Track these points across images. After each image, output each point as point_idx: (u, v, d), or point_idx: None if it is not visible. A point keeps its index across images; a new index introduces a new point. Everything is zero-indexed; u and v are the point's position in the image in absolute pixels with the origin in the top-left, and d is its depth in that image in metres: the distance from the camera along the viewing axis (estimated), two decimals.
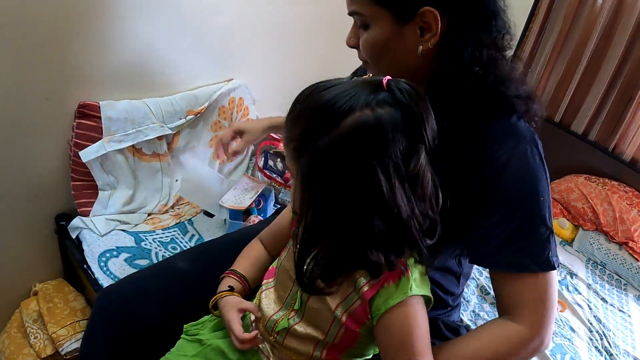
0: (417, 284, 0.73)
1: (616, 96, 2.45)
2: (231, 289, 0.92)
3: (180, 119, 1.80)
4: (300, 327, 0.80)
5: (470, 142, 0.82)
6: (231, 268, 0.97)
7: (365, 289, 0.73)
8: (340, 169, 0.66)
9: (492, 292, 1.95)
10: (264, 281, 0.91)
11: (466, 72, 0.83)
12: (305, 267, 0.75)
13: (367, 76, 0.70)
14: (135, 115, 1.65)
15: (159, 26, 1.64)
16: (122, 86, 1.65)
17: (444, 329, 1.09)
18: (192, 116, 1.83)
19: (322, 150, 0.66)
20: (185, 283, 1.03)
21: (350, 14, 0.88)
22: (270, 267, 0.94)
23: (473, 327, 1.77)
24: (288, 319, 0.82)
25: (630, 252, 2.39)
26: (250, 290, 0.97)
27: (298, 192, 0.71)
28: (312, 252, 0.74)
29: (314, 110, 0.67)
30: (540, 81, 2.73)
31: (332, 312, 0.77)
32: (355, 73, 1.21)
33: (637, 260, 2.36)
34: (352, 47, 0.91)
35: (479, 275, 2.06)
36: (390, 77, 0.69)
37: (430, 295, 0.76)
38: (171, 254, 1.56)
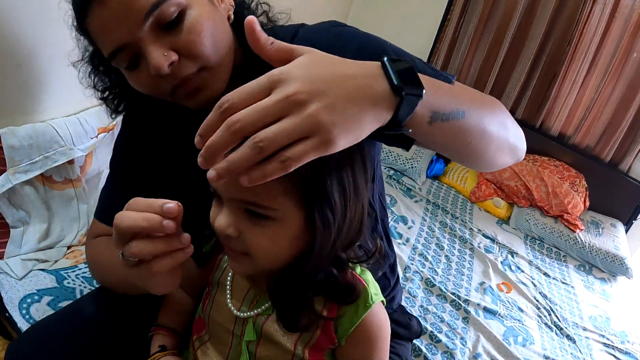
0: (374, 291, 0.70)
1: (540, 74, 2.51)
2: (163, 348, 0.81)
3: (92, 138, 1.63)
4: None
5: None
6: (158, 322, 0.86)
7: (325, 313, 0.68)
8: (351, 181, 0.61)
9: (437, 284, 1.95)
10: (195, 336, 0.81)
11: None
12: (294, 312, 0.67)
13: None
14: (40, 140, 1.47)
15: (56, 35, 1.47)
16: (22, 109, 1.47)
17: (394, 326, 1.05)
18: (104, 134, 1.67)
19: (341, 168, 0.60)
20: (92, 328, 0.92)
21: (152, 10, 0.67)
22: (197, 317, 0.83)
23: (423, 322, 1.74)
24: None
25: (566, 224, 2.47)
26: (181, 341, 0.88)
27: (294, 229, 0.60)
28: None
29: None
30: (464, 63, 2.75)
31: (291, 353, 0.71)
32: None
33: (573, 231, 2.43)
34: (170, 64, 0.69)
35: (422, 268, 2.04)
36: None
37: (383, 298, 0.72)
38: None
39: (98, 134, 1.65)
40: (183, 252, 0.60)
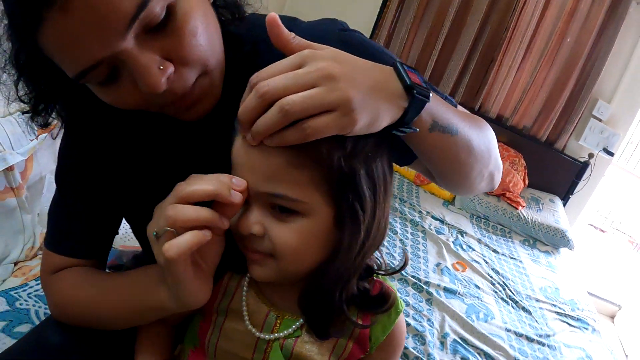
0: (399, 296, 0.68)
1: (478, 59, 2.60)
2: None
3: (32, 140, 1.48)
4: None
5: None
6: None
7: (360, 322, 0.65)
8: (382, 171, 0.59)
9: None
10: None
11: (238, 7, 0.69)
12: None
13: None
14: None
15: None
16: None
17: None
18: (45, 134, 1.52)
19: (372, 154, 0.56)
20: None
21: (137, 13, 0.52)
22: (192, 349, 0.73)
23: None
24: None
25: (508, 201, 2.59)
26: None
27: (322, 226, 0.57)
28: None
29: None
30: (404, 49, 2.79)
31: None
32: None
33: (516, 208, 2.56)
34: (167, 77, 0.56)
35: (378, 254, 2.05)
36: None
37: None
38: None
39: (38, 135, 1.50)
40: (203, 233, 0.53)
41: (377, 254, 0.67)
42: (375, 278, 0.68)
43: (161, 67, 0.55)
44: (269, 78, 0.49)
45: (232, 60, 0.67)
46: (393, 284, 0.71)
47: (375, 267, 0.68)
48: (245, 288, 0.67)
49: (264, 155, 0.53)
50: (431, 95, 0.57)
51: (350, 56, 0.55)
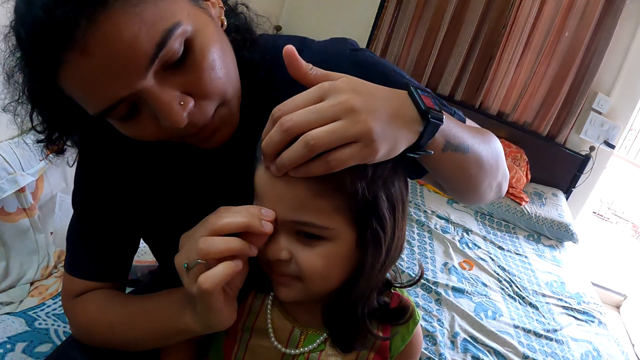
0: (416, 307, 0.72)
1: (477, 56, 2.61)
2: None
3: (41, 160, 1.50)
4: None
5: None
6: None
7: (380, 334, 0.68)
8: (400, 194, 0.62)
9: (405, 270, 1.97)
10: None
11: (249, 30, 0.72)
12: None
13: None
14: None
15: None
16: None
17: None
18: (53, 154, 1.53)
19: (387, 178, 0.59)
20: None
21: (157, 52, 0.53)
22: None
23: None
24: None
25: (512, 197, 2.60)
26: None
27: (346, 248, 0.60)
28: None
29: None
30: (403, 49, 2.80)
31: None
32: None
33: (519, 203, 2.57)
34: (188, 112, 0.58)
35: None
36: None
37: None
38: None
39: (47, 155, 1.52)
40: (235, 263, 0.55)
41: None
42: (393, 291, 0.71)
43: (182, 103, 0.56)
44: (292, 112, 0.51)
45: (248, 86, 0.68)
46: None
47: (392, 279, 0.70)
48: (269, 306, 0.69)
49: (289, 185, 0.55)
50: (444, 117, 0.59)
51: (367, 85, 0.56)
